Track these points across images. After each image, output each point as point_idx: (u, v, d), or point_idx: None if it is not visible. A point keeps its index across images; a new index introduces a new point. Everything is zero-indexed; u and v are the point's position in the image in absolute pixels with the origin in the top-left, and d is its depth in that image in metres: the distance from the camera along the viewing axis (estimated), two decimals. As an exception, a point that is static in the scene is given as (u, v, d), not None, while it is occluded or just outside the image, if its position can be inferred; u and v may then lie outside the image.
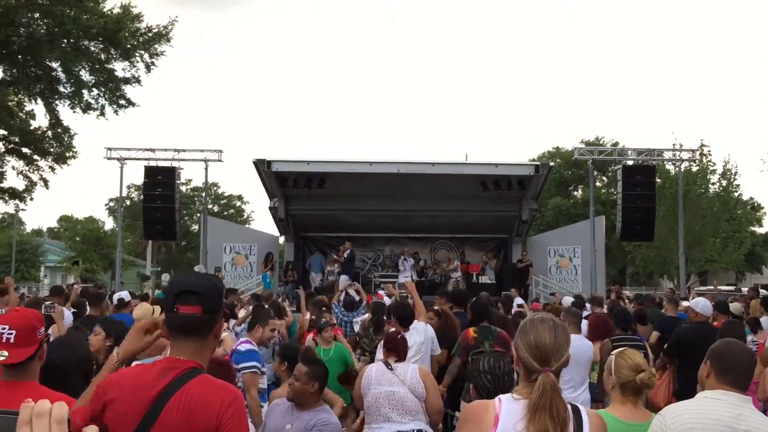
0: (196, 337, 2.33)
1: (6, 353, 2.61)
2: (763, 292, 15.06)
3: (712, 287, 20.90)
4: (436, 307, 8.23)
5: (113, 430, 2.22)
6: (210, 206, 51.88)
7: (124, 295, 8.87)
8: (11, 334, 2.63)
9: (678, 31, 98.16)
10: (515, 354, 2.46)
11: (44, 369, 2.90)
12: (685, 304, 9.17)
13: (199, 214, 47.12)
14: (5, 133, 24.60)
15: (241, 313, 9.32)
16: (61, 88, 23.86)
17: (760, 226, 50.10)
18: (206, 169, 20.87)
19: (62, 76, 23.59)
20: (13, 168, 25.20)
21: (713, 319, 7.86)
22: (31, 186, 25.62)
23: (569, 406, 2.31)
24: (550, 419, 2.21)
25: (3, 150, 24.95)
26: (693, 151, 22.08)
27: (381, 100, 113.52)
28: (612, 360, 3.33)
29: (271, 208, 20.80)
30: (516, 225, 21.02)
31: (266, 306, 10.53)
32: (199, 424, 2.19)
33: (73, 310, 9.29)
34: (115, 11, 22.44)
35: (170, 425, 2.18)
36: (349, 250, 19.34)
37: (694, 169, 30.35)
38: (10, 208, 32.45)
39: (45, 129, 24.87)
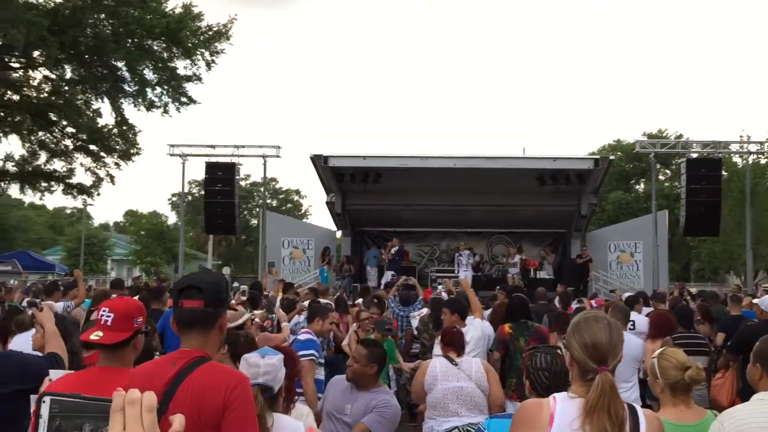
0: (201, 330, 2.52)
1: (101, 333, 2.75)
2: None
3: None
4: None
5: None
6: (268, 201, 52.65)
7: None
8: (109, 317, 2.78)
9: (744, 19, 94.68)
10: (568, 353, 2.43)
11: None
12: (753, 301, 8.85)
13: (258, 209, 47.88)
14: (74, 130, 25.51)
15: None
16: (126, 87, 24.61)
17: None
18: (264, 164, 21.17)
19: (127, 75, 24.31)
20: (81, 165, 26.16)
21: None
22: (98, 182, 26.49)
23: (625, 405, 2.28)
24: (608, 419, 2.18)
25: (71, 147, 25.88)
26: (761, 143, 21.29)
27: (438, 93, 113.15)
28: (655, 363, 3.22)
29: (328, 203, 20.97)
30: (575, 220, 20.65)
31: (325, 300, 10.70)
32: (207, 405, 2.34)
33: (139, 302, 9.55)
34: (177, 11, 22.99)
35: (182, 408, 2.30)
36: (396, 247, 19.38)
37: (763, 161, 29.36)
38: (78, 203, 33.76)
39: (111, 127, 25.68)
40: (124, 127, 25.34)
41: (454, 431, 4.80)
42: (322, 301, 10.35)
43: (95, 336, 2.74)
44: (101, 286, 19.59)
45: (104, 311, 2.79)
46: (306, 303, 9.33)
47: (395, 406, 4.28)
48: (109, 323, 2.77)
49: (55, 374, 2.97)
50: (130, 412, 1.12)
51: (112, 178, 26.39)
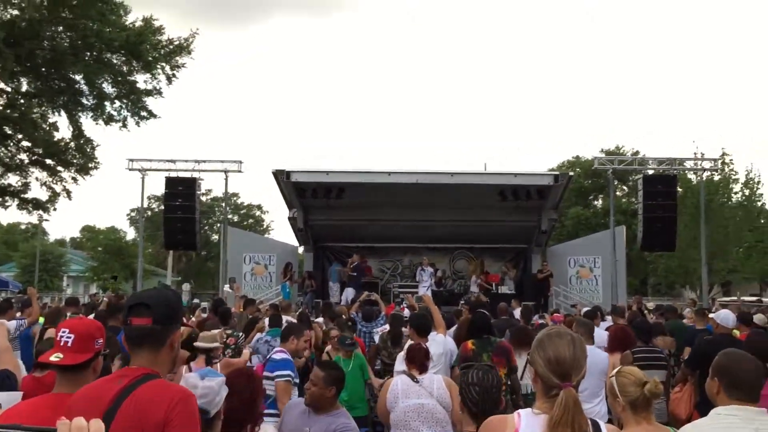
0: (150, 347, 2.47)
1: (61, 355, 2.68)
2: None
3: (735, 298, 20.64)
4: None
5: None
6: (230, 216, 52.16)
7: None
8: (70, 338, 2.71)
9: (699, 40, 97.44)
10: (533, 369, 2.43)
11: None
12: (710, 315, 9.05)
13: (219, 224, 47.36)
14: (29, 144, 24.94)
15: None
16: (84, 100, 24.17)
17: (785, 235, 49.41)
18: (226, 179, 20.99)
19: (85, 88, 23.90)
20: (37, 179, 25.54)
21: (738, 331, 7.76)
22: (54, 197, 25.91)
23: (589, 421, 2.29)
24: None
25: (27, 161, 25.29)
26: (715, 160, 21.83)
27: (400, 110, 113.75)
28: (614, 381, 3.23)
29: (290, 219, 20.87)
30: (535, 235, 20.90)
31: (287, 317, 10.61)
32: (150, 421, 2.31)
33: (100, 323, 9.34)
34: (137, 24, 22.74)
35: (125, 424, 2.30)
36: (356, 263, 19.36)
37: (716, 178, 30.05)
38: (33, 218, 32.89)
39: (68, 140, 25.17)
40: (82, 141, 24.88)
41: None
42: (285, 318, 10.29)
43: (55, 357, 2.67)
44: (56, 304, 19.15)
45: (64, 332, 2.72)
46: (266, 320, 9.26)
47: (354, 429, 4.25)
48: (69, 344, 2.70)
49: (6, 398, 2.87)
50: None
51: (68, 192, 25.85)
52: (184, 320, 8.21)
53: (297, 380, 5.88)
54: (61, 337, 2.71)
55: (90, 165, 25.36)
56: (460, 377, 3.32)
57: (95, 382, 2.58)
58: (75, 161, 25.35)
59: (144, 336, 2.47)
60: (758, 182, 32.21)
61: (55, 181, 25.63)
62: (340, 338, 7.52)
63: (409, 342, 6.45)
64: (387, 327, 9.21)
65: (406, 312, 10.75)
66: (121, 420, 2.31)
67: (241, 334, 8.88)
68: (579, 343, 2.39)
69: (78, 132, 24.65)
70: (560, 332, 2.44)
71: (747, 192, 32.38)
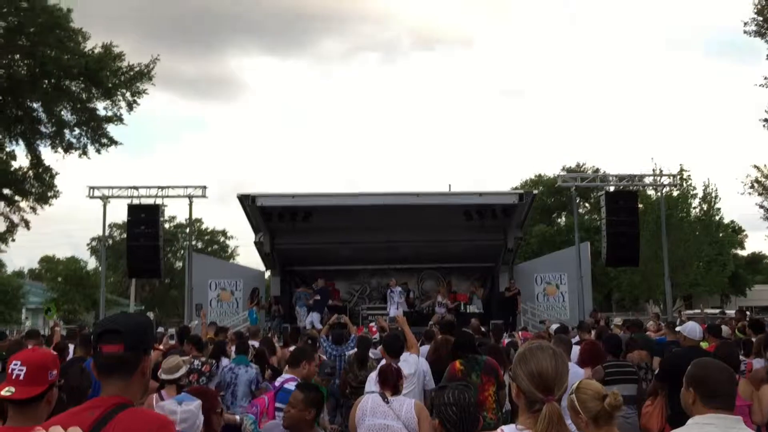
0: (121, 375, 2.37)
1: (13, 389, 2.57)
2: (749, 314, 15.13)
3: (699, 310, 20.99)
4: None
5: None
6: (194, 242, 51.59)
7: None
8: (22, 370, 2.61)
9: (653, 57, 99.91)
10: (514, 384, 2.42)
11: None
12: (677, 328, 9.17)
13: (182, 251, 46.76)
14: (-15, 174, 24.43)
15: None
16: (42, 128, 23.80)
17: (743, 248, 50.64)
18: (190, 205, 20.78)
19: (43, 116, 23.55)
20: (-6, 209, 24.99)
21: (707, 342, 7.88)
22: (12, 227, 25.36)
23: None
24: None
25: (-17, 191, 24.75)
26: (673, 176, 22.31)
27: (363, 132, 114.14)
28: (574, 399, 3.23)
29: (256, 243, 20.71)
30: (502, 253, 21.04)
31: (254, 342, 10.46)
32: None
33: (54, 352, 9.12)
34: (96, 51, 22.51)
35: None
36: (321, 287, 19.24)
37: (675, 193, 30.71)
38: (-10, 250, 32.02)
39: (26, 169, 24.70)
40: (40, 170, 24.44)
41: None
42: (252, 343, 10.16)
43: (6, 392, 2.55)
44: (16, 337, 18.63)
45: (16, 364, 2.61)
46: (234, 348, 9.12)
47: None
48: (21, 377, 2.59)
49: None
50: None
51: (27, 223, 25.33)
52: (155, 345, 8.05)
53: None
54: (13, 369, 2.60)
55: (49, 194, 24.92)
56: (435, 398, 3.28)
57: (64, 414, 2.43)
58: (33, 190, 24.87)
59: (115, 363, 2.36)
60: (715, 197, 33.03)
61: (12, 211, 25.11)
62: (321, 364, 7.43)
63: (382, 362, 6.41)
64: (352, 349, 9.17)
65: (376, 334, 10.70)
66: None
67: (213, 361, 8.74)
68: (561, 357, 2.39)
69: (36, 161, 24.22)
70: (542, 346, 2.43)
71: (705, 206, 33.16)
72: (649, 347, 9.01)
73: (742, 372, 6.80)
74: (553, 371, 2.31)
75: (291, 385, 5.15)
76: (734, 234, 46.30)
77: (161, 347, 9.87)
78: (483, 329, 12.03)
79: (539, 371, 2.32)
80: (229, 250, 63.03)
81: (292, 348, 5.34)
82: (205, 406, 3.46)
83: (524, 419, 2.33)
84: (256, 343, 10.22)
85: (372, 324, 13.21)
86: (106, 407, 2.31)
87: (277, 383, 5.42)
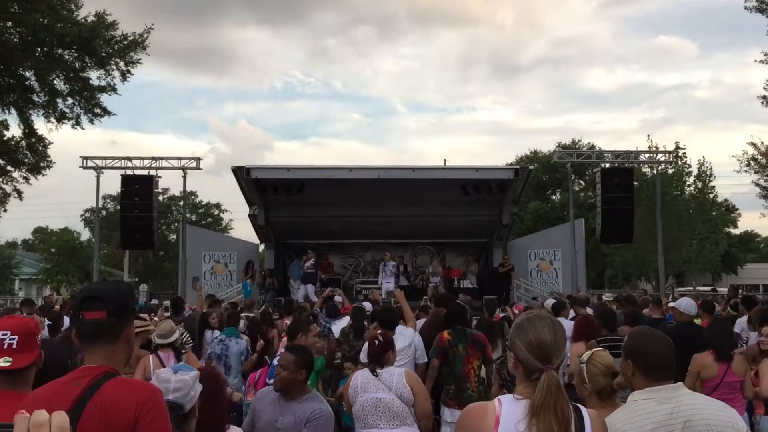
0: (105, 342, 2.35)
1: (10, 359, 2.53)
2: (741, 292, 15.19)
3: (692, 288, 21.09)
4: None
5: None
6: (188, 215, 51.45)
7: None
8: (13, 339, 2.56)
9: (651, 32, 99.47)
10: (512, 354, 2.40)
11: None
12: (670, 304, 9.18)
13: (176, 224, 46.63)
14: (-23, 144, 24.18)
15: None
16: (35, 98, 23.48)
17: (735, 227, 50.82)
18: (184, 177, 20.65)
19: (36, 85, 23.23)
20: (-14, 179, 24.78)
21: (700, 319, 7.90)
22: (4, 198, 25.15)
23: (571, 406, 2.27)
24: (554, 418, 2.16)
25: (-25, 161, 24.51)
26: (669, 152, 22.28)
27: (360, 105, 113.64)
28: (583, 369, 3.22)
29: (250, 216, 20.66)
30: (496, 229, 21.06)
31: (250, 314, 10.46)
32: (117, 421, 2.19)
33: (48, 322, 9.10)
34: (89, 19, 22.17)
35: (90, 427, 2.18)
36: (312, 260, 19.22)
37: (670, 171, 30.70)
38: (-17, 220, 31.83)
39: (19, 139, 24.45)
40: (33, 140, 24.17)
41: None
42: (246, 315, 10.15)
43: (5, 362, 2.51)
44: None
45: (5, 334, 2.56)
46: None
47: (327, 412, 4.13)
48: (14, 346, 2.54)
49: None
50: None
51: (19, 193, 25.11)
52: (147, 318, 8.01)
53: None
54: (3, 339, 2.55)
55: (42, 164, 24.66)
56: (501, 369, 3.25)
57: (49, 385, 2.40)
58: (26, 161, 24.62)
59: (98, 330, 2.34)
60: (710, 175, 33.06)
61: (5, 182, 24.89)
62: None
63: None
64: (347, 320, 9.15)
65: (367, 305, 10.69)
66: (87, 424, 2.17)
67: (185, 331, 8.64)
68: (559, 327, 2.37)
69: (29, 130, 23.95)
70: (540, 315, 2.42)
71: (699, 185, 33.19)
72: (636, 323, 9.03)
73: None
74: (551, 340, 2.30)
75: None
76: (728, 212, 46.43)
77: (156, 318, 9.87)
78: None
79: (537, 341, 2.30)
80: (224, 224, 62.93)
81: (285, 347, 5.28)
82: (216, 388, 3.44)
83: (522, 389, 2.31)
84: (251, 315, 10.23)
85: (366, 303, 13.21)
86: (93, 377, 2.28)
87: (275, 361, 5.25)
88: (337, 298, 11.49)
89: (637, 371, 2.87)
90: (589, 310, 10.16)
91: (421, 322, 8.42)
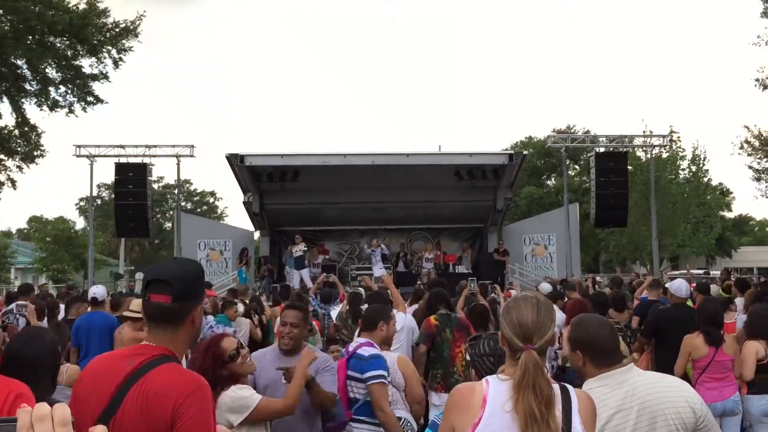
0: (168, 325, 2.34)
1: None
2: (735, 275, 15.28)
3: (685, 271, 21.18)
4: None
5: (77, 419, 2.17)
6: (183, 203, 51.42)
7: (98, 292, 8.19)
8: None
9: (644, 17, 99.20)
10: (500, 334, 2.43)
11: (10, 362, 2.84)
12: (665, 285, 9.24)
13: (171, 212, 46.57)
14: (-30, 133, 24.06)
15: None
16: (27, 86, 23.37)
17: (730, 210, 50.99)
18: (178, 164, 20.59)
19: (28, 73, 23.11)
20: (-21, 169, 24.67)
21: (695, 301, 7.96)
22: (-2, 186, 25.07)
23: (557, 386, 2.29)
24: (534, 397, 2.18)
25: (-32, 150, 24.41)
26: (663, 136, 22.31)
27: (354, 91, 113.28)
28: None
29: (245, 203, 20.65)
30: (491, 214, 21.10)
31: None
32: (155, 414, 2.16)
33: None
34: (80, 6, 22.03)
35: (130, 414, 2.17)
36: (300, 245, 19.24)
37: (664, 155, 30.74)
38: (-23, 209, 31.77)
39: (11, 128, 24.35)
40: (26, 128, 24.08)
41: None
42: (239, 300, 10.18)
43: None
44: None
45: None
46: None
47: (331, 359, 4.30)
48: None
49: None
50: (41, 428, 1.01)
51: (13, 182, 25.03)
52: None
53: (390, 379, 4.73)
54: None
55: (35, 153, 24.58)
56: (470, 350, 3.27)
57: (106, 355, 2.45)
58: (19, 149, 24.53)
59: (162, 314, 2.33)
60: (704, 158, 33.13)
61: (-2, 171, 24.80)
62: None
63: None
64: (344, 305, 9.20)
65: (362, 291, 10.74)
66: (127, 412, 2.17)
67: None
68: (545, 307, 2.39)
69: (21, 119, 23.84)
70: (526, 296, 2.44)
71: (694, 168, 33.26)
72: (623, 305, 9.10)
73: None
74: (532, 320, 2.32)
75: (365, 351, 4.54)
76: (722, 196, 46.57)
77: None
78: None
79: (519, 320, 2.33)
80: (219, 211, 62.96)
81: (284, 306, 5.08)
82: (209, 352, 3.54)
83: (507, 367, 2.34)
84: (246, 302, 10.29)
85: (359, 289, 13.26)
86: (146, 357, 2.27)
87: (349, 348, 4.76)
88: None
89: (587, 360, 2.89)
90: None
91: (413, 308, 8.48)
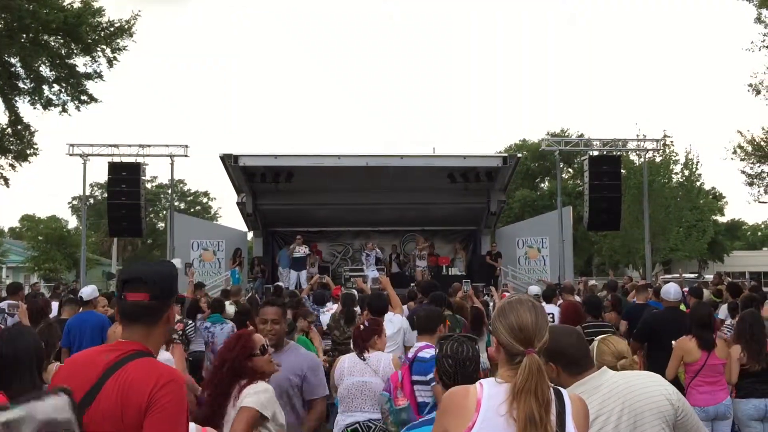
0: (144, 324, 2.39)
1: None
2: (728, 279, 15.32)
3: (678, 275, 21.21)
4: None
5: None
6: (176, 204, 51.31)
7: (85, 292, 8.20)
8: None
9: (638, 22, 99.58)
10: (495, 339, 2.41)
11: None
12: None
13: (165, 212, 46.46)
14: (-38, 131, 23.96)
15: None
16: (21, 84, 23.30)
17: (722, 215, 51.20)
18: (172, 164, 20.54)
19: (21, 71, 23.04)
20: (-28, 167, 24.56)
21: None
22: (-9, 185, 24.95)
23: (551, 389, 2.29)
24: (535, 401, 2.17)
25: (-39, 148, 24.28)
26: (656, 141, 22.37)
27: (348, 93, 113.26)
28: (595, 345, 3.30)
29: (238, 204, 20.60)
30: (485, 217, 21.11)
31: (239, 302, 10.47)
32: (130, 403, 2.21)
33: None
34: (75, 5, 21.97)
35: (106, 404, 2.22)
36: (303, 246, 19.21)
37: (658, 159, 30.86)
38: (-31, 207, 31.55)
39: (4, 126, 24.26)
40: (19, 126, 23.99)
41: (355, 426, 4.80)
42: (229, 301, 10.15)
43: None
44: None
45: None
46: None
47: (313, 356, 4.35)
48: None
49: None
50: None
51: (6, 180, 24.93)
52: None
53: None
54: None
55: (28, 151, 24.48)
56: (437, 348, 3.29)
57: (83, 352, 2.51)
58: (12, 147, 24.43)
59: (139, 312, 2.38)
60: (697, 163, 33.27)
61: (-9, 169, 24.68)
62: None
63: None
64: (335, 307, 9.19)
65: (355, 292, 10.74)
66: (103, 401, 2.22)
67: (189, 321, 8.75)
68: (540, 310, 2.39)
69: (15, 117, 23.74)
70: (521, 299, 2.43)
71: (686, 173, 33.40)
72: (618, 309, 9.13)
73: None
74: (532, 323, 2.31)
75: (427, 353, 4.45)
76: (714, 200, 46.74)
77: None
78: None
79: (519, 324, 2.31)
80: (212, 212, 62.83)
81: (262, 303, 5.11)
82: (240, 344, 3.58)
83: (504, 372, 2.32)
84: (238, 302, 10.26)
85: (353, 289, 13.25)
86: (123, 352, 2.31)
87: (410, 354, 4.67)
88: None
89: (561, 371, 2.89)
90: (577, 298, 10.26)
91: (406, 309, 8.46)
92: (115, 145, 19.99)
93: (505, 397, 2.23)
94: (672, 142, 32.10)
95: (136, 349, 2.33)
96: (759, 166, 26.44)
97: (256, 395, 3.38)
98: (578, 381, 2.84)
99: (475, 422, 2.23)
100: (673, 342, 6.08)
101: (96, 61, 23.14)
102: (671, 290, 7.28)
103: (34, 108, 23.53)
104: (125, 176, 19.59)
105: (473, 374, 3.13)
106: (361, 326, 5.27)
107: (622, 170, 21.57)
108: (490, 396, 2.26)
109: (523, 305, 2.37)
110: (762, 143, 25.81)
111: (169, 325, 2.52)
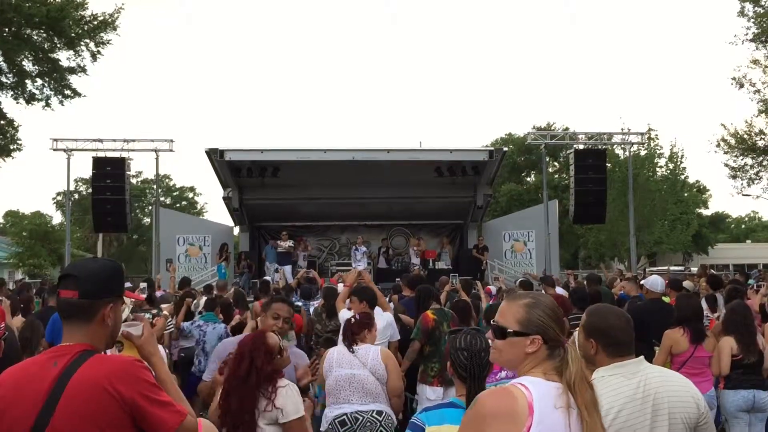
0: (80, 321, 2.29)
1: None
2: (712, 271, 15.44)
3: (666, 268, 21.38)
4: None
5: None
6: (162, 199, 50.98)
7: None
8: None
9: (623, 16, 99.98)
10: (537, 337, 2.33)
11: None
12: (641, 282, 9.34)
13: (150, 207, 46.16)
14: (-56, 126, 23.70)
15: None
16: (4, 79, 23.07)
17: (706, 208, 51.63)
18: (157, 159, 20.38)
19: (4, 65, 22.82)
20: (-46, 162, 24.32)
21: (669, 297, 8.04)
22: (-27, 180, 24.73)
23: None
24: (588, 386, 2.22)
25: (-57, 144, 24.02)
26: (641, 134, 22.49)
27: (334, 87, 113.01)
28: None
29: (224, 199, 20.53)
30: (471, 211, 21.17)
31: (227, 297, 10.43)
32: (102, 404, 2.11)
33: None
34: (58, -1, 21.79)
35: (72, 414, 2.10)
36: (288, 241, 19.18)
37: (643, 153, 31.03)
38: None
39: (-13, 121, 24.03)
40: (2, 121, 23.76)
41: (342, 417, 4.79)
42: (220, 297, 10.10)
43: None
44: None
45: None
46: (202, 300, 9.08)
47: (300, 351, 4.53)
48: None
49: None
50: None
51: (-11, 175, 24.73)
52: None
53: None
54: None
55: (11, 146, 24.25)
56: (449, 342, 3.31)
57: (19, 367, 2.29)
58: (-5, 143, 24.20)
59: (70, 309, 2.28)
60: (682, 156, 33.50)
61: (-27, 165, 24.45)
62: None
63: (343, 312, 6.60)
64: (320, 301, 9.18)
65: (339, 286, 10.72)
66: (67, 412, 2.10)
67: (159, 312, 8.60)
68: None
69: (-3, 112, 23.54)
70: (541, 294, 2.49)
71: (671, 166, 33.61)
72: (600, 301, 9.18)
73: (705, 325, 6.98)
74: (561, 314, 2.36)
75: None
76: (699, 193, 47.11)
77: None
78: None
79: (558, 315, 2.35)
80: (198, 207, 62.55)
81: (273, 299, 5.05)
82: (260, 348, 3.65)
83: (548, 368, 2.28)
84: (223, 297, 10.20)
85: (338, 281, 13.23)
86: (71, 356, 2.20)
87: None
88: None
89: (600, 349, 2.92)
90: (560, 290, 10.32)
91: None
92: (100, 140, 19.82)
93: (557, 392, 2.19)
94: (656, 135, 32.33)
95: (83, 350, 2.23)
96: (742, 159, 26.67)
97: (288, 399, 3.58)
98: (617, 363, 2.86)
99: (532, 424, 2.14)
100: (654, 339, 6.11)
101: (79, 55, 23.00)
102: (658, 282, 7.34)
103: (17, 103, 23.38)
104: (110, 171, 19.42)
105: (486, 366, 3.15)
106: (353, 319, 5.27)
107: (607, 164, 21.66)
108: (542, 396, 2.18)
109: (546, 298, 2.42)
110: (745, 136, 26.03)
111: (110, 326, 2.36)
